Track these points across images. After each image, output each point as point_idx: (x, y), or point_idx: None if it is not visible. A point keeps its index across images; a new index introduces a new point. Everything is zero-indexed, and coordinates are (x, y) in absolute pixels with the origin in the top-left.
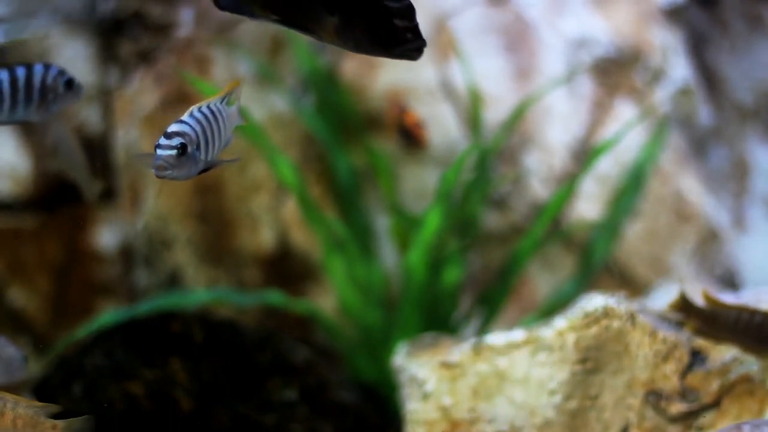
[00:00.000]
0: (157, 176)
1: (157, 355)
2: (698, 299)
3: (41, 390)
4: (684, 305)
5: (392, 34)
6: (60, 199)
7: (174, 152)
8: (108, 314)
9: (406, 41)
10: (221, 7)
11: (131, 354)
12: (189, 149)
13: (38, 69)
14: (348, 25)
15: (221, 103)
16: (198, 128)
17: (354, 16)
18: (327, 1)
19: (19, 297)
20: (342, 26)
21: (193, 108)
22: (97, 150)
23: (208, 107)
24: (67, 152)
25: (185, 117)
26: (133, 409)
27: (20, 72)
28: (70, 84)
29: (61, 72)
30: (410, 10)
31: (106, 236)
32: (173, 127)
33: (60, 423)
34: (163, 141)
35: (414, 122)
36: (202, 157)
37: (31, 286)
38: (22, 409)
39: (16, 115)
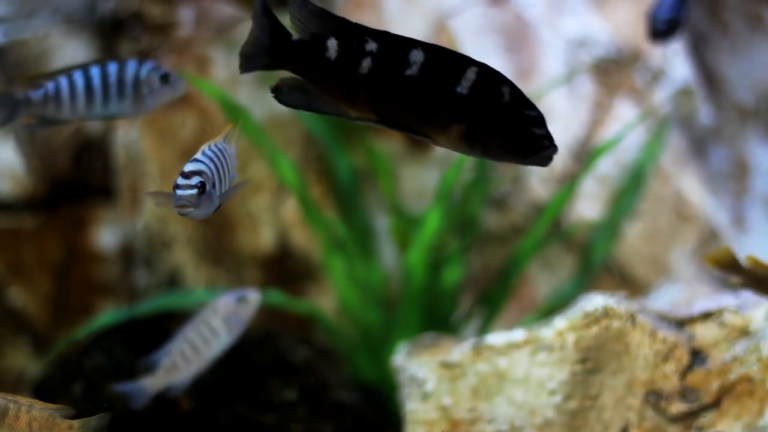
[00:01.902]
0: (180, 214)
1: None
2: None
3: (41, 390)
4: (729, 263)
5: (530, 142)
6: (60, 199)
7: (194, 191)
8: (108, 314)
9: (543, 148)
10: (284, 103)
11: (131, 354)
12: (207, 187)
13: (131, 64)
14: (478, 132)
15: (224, 142)
16: (212, 166)
17: (487, 124)
18: (456, 110)
19: (19, 297)
20: (471, 133)
21: (204, 147)
22: (97, 150)
23: (216, 146)
24: (16, 135)
25: (199, 156)
26: (132, 409)
27: (112, 67)
28: (166, 78)
29: (156, 66)
30: (544, 119)
31: (106, 236)
32: (190, 167)
33: (76, 423)
34: (181, 181)
35: None
36: (217, 193)
37: (31, 286)
38: (37, 411)
39: (110, 110)
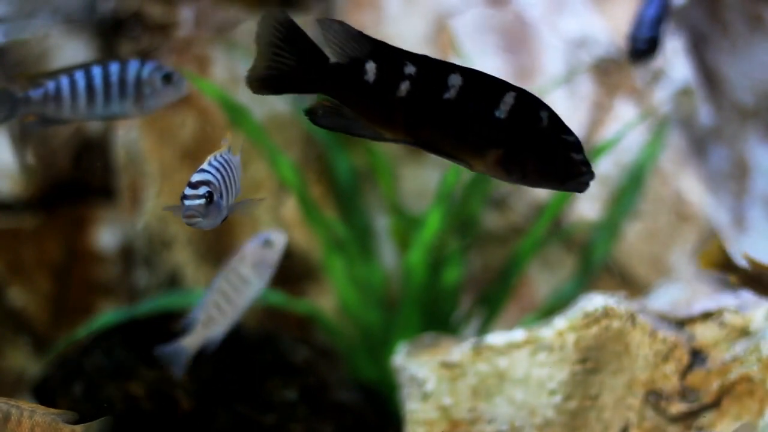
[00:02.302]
0: (188, 225)
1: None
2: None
3: (41, 390)
4: (725, 263)
5: (568, 168)
6: (60, 199)
7: (202, 201)
8: (108, 314)
9: (581, 174)
10: (320, 125)
11: (131, 354)
12: (215, 197)
13: (133, 64)
14: (516, 157)
15: (229, 152)
16: (219, 176)
17: (525, 149)
18: (494, 135)
19: (19, 297)
20: (508, 158)
21: (210, 158)
22: (97, 150)
23: (222, 156)
24: (11, 132)
25: (205, 166)
26: (133, 409)
27: (113, 67)
28: (168, 78)
29: (159, 67)
30: (581, 144)
31: (106, 236)
32: (197, 177)
33: (78, 428)
34: (189, 191)
35: None
36: (225, 203)
37: (31, 286)
38: (40, 416)
39: (111, 110)
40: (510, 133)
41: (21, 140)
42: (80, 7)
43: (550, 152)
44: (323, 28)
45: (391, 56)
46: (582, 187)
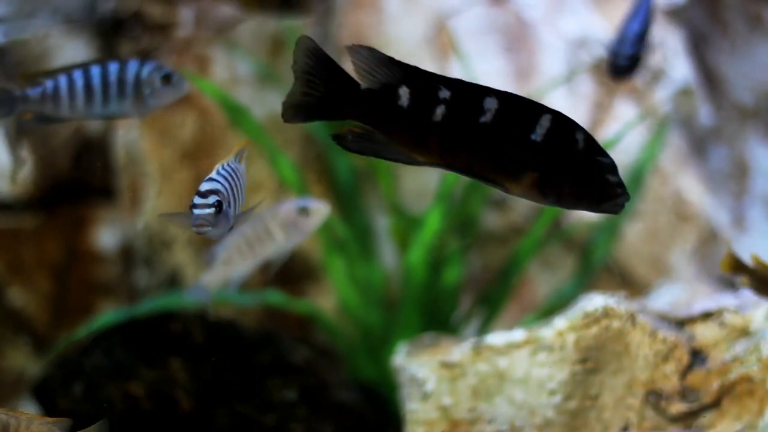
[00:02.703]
0: (197, 233)
1: (157, 355)
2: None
3: (41, 390)
4: (736, 265)
5: (604, 190)
6: (60, 199)
7: (212, 210)
8: (108, 314)
9: (616, 196)
10: (351, 150)
11: (131, 354)
12: (224, 206)
13: (132, 64)
14: (551, 179)
15: (236, 161)
16: (227, 185)
17: (560, 172)
18: (530, 158)
19: (19, 297)
20: (544, 181)
21: (218, 166)
22: (97, 150)
23: (229, 165)
24: (6, 130)
25: (214, 175)
26: (133, 409)
27: (112, 67)
28: (168, 78)
29: (158, 67)
30: (617, 166)
31: (106, 236)
32: (206, 186)
33: None
34: (198, 200)
35: None
36: (232, 212)
37: (31, 286)
38: (37, 426)
39: (110, 109)
40: (546, 157)
41: (16, 138)
42: (80, 7)
43: (585, 175)
44: (352, 55)
45: (424, 81)
46: (618, 209)
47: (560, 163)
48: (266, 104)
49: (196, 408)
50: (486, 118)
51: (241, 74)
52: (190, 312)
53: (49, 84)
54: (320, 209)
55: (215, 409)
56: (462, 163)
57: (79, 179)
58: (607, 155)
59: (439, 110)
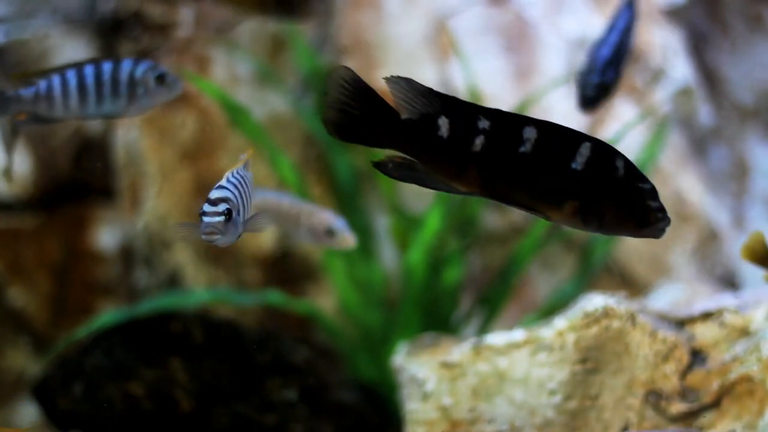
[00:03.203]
0: (207, 242)
1: (157, 355)
2: None
3: (41, 390)
4: (764, 257)
5: (645, 216)
6: (60, 199)
7: (222, 218)
8: (108, 314)
9: (657, 221)
10: (392, 177)
11: (131, 354)
12: (233, 214)
13: (126, 63)
14: (593, 207)
15: (244, 169)
16: (237, 193)
17: (602, 199)
18: (571, 186)
19: (19, 297)
20: (586, 209)
21: (228, 174)
22: (97, 150)
23: (238, 173)
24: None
25: (224, 183)
26: (133, 409)
27: (106, 66)
28: (162, 78)
29: (153, 66)
30: (657, 191)
31: (106, 236)
32: (216, 194)
33: None
34: (208, 208)
35: None
36: (241, 220)
37: (31, 286)
38: None
39: (104, 109)
40: (587, 184)
41: (11, 138)
42: (80, 7)
43: (626, 201)
44: (391, 86)
45: (463, 111)
46: (659, 233)
47: (601, 190)
48: (266, 104)
49: (196, 408)
50: (526, 147)
51: (241, 74)
52: (190, 312)
53: (42, 84)
54: (346, 240)
55: (215, 409)
56: (503, 193)
57: (79, 179)
58: (647, 181)
59: (479, 140)
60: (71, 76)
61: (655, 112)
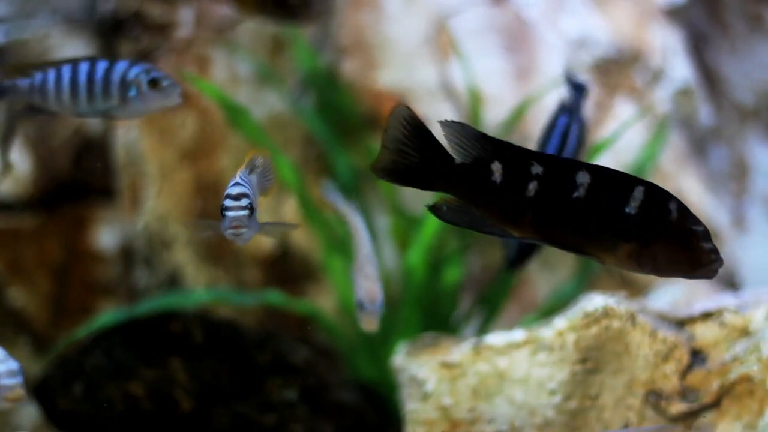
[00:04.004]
0: (231, 236)
1: (157, 355)
2: None
3: (41, 390)
4: None
5: (699, 257)
6: (60, 199)
7: (246, 212)
8: (108, 314)
9: (711, 262)
10: (446, 221)
11: (131, 354)
12: (254, 208)
13: (121, 64)
14: (647, 250)
15: (250, 172)
16: (251, 191)
17: (656, 242)
18: (625, 230)
19: (19, 297)
20: (641, 252)
21: (239, 172)
22: (97, 150)
23: (246, 172)
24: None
25: (239, 179)
26: (133, 409)
27: (101, 65)
28: (155, 83)
29: (148, 70)
30: (709, 232)
31: (106, 236)
32: (236, 189)
33: None
34: (231, 203)
35: None
36: (256, 217)
37: (31, 286)
38: None
39: (95, 107)
40: (641, 228)
41: (7, 132)
42: (80, 7)
43: (680, 244)
44: (445, 129)
45: (516, 156)
46: (712, 274)
47: (655, 233)
48: (266, 104)
49: (196, 408)
50: (579, 192)
51: (241, 74)
52: (190, 312)
53: (38, 76)
54: (366, 322)
55: (215, 409)
56: (557, 238)
57: (79, 179)
58: (699, 223)
59: (532, 186)
60: (66, 71)
61: (652, 110)
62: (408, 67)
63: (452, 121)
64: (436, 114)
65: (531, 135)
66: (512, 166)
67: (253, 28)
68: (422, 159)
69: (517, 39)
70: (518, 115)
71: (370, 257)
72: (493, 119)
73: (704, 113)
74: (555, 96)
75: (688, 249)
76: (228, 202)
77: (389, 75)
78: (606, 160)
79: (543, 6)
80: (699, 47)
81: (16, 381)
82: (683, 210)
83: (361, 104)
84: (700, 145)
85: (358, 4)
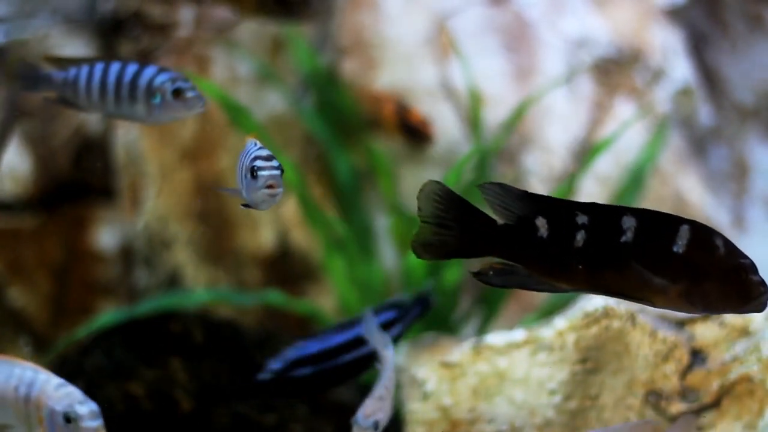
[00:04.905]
0: (267, 197)
1: (157, 355)
2: None
3: None
4: None
5: (749, 291)
6: (60, 199)
7: (279, 172)
8: (108, 314)
9: (761, 294)
10: (494, 285)
11: (131, 354)
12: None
13: (149, 69)
14: (698, 288)
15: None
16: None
17: (706, 279)
18: (675, 270)
19: (19, 297)
20: (691, 291)
21: (250, 142)
22: (97, 150)
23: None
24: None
25: (261, 145)
26: (133, 409)
27: (130, 68)
28: (178, 92)
29: (173, 79)
30: (756, 265)
31: (106, 236)
32: (264, 151)
33: None
34: (264, 163)
35: (420, 119)
36: None
37: (31, 286)
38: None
39: (121, 110)
40: (690, 267)
41: (5, 128)
42: (80, 7)
43: (730, 280)
44: (484, 193)
45: (560, 209)
46: (761, 307)
47: (705, 271)
48: (266, 104)
49: (196, 408)
50: (627, 237)
51: (241, 74)
52: (190, 312)
53: (72, 71)
54: None
55: (215, 409)
56: (608, 285)
57: (79, 179)
58: (745, 256)
59: (580, 236)
60: (97, 70)
61: (652, 109)
62: (408, 67)
63: (491, 183)
64: (436, 114)
65: (531, 135)
66: (557, 219)
67: (253, 28)
68: (464, 227)
69: (517, 39)
70: (518, 115)
71: (389, 386)
72: (493, 119)
73: (704, 113)
74: (555, 96)
75: (738, 284)
76: (260, 163)
77: (389, 75)
78: (606, 160)
79: (543, 6)
80: (699, 47)
81: (98, 423)
82: (729, 245)
83: (361, 104)
84: (700, 145)
85: (358, 4)
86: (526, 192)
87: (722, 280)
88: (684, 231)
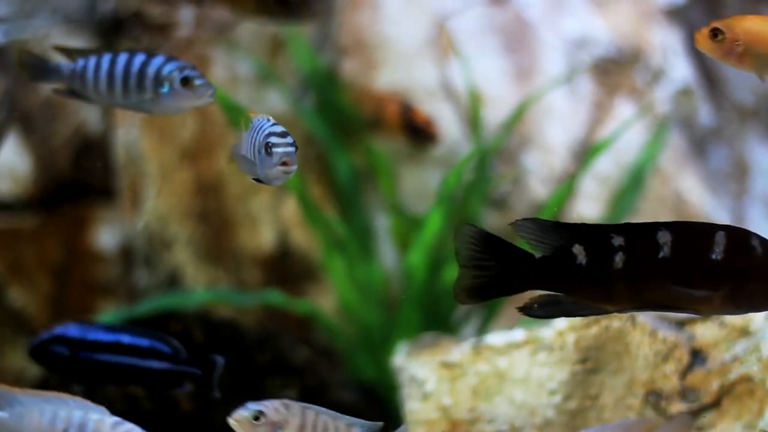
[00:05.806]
0: (282, 173)
1: None
2: None
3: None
4: None
5: None
6: (60, 199)
7: (294, 149)
8: (108, 314)
9: None
10: (540, 318)
11: None
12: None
13: (157, 59)
14: (742, 291)
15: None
16: None
17: (748, 281)
18: (716, 277)
19: (19, 297)
20: (735, 295)
21: (258, 119)
22: (97, 150)
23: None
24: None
25: (274, 121)
26: (133, 409)
27: (138, 58)
28: (187, 81)
29: (181, 67)
30: None
31: (106, 236)
32: (278, 128)
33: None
34: (279, 140)
35: (425, 119)
36: None
37: (31, 286)
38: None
39: (129, 100)
40: (731, 272)
41: (1, 131)
42: (80, 7)
43: None
44: (518, 230)
45: (595, 234)
46: None
47: (746, 273)
48: (266, 104)
49: (196, 408)
50: (665, 252)
51: (241, 74)
52: (190, 312)
53: (81, 62)
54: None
55: (215, 409)
56: (652, 301)
57: (79, 179)
58: None
59: (618, 257)
60: (105, 61)
61: (651, 109)
62: (408, 67)
63: (524, 219)
64: (436, 114)
65: (531, 135)
66: (594, 244)
67: (253, 28)
68: (503, 266)
69: (517, 39)
70: (518, 115)
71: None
72: (493, 119)
73: (704, 113)
74: (555, 96)
75: None
76: (275, 139)
77: (389, 75)
78: (606, 160)
79: (543, 6)
80: None
81: None
82: (765, 243)
83: (363, 105)
84: (700, 145)
85: (358, 4)
86: (558, 222)
87: (765, 279)
88: (720, 237)
